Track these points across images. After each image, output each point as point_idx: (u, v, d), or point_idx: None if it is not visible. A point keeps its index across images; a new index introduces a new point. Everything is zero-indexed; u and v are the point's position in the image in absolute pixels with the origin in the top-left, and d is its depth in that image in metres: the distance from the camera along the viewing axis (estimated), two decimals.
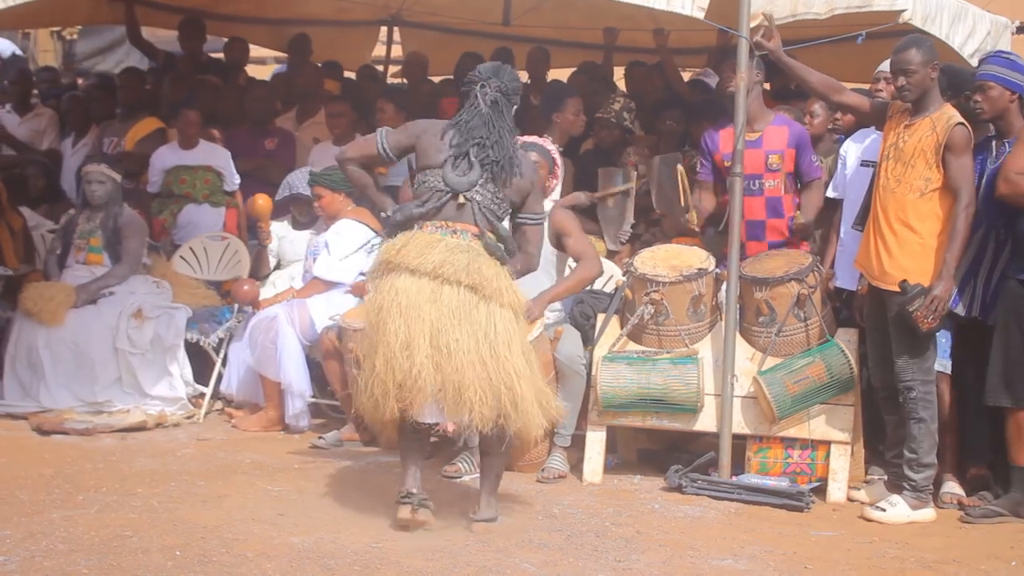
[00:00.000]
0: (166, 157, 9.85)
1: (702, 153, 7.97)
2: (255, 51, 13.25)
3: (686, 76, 11.44)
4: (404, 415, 6.08)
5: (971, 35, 9.17)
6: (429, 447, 6.73)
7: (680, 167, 7.92)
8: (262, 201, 9.19)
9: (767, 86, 9.64)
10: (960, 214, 6.53)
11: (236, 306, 8.92)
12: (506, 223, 6.37)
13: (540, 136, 7.80)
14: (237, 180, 9.95)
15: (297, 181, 9.12)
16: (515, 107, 6.41)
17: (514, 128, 6.37)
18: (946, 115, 6.61)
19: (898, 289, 6.57)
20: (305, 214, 9.22)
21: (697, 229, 7.84)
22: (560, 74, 11.91)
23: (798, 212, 7.68)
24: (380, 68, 13.19)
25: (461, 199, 6.18)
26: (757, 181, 7.66)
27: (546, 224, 7.28)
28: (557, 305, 7.63)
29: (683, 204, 7.89)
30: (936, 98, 6.71)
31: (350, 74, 12.51)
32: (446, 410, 6.04)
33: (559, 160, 7.63)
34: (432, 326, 5.98)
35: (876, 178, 6.86)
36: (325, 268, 8.42)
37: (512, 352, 6.06)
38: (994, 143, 7.01)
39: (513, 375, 6.02)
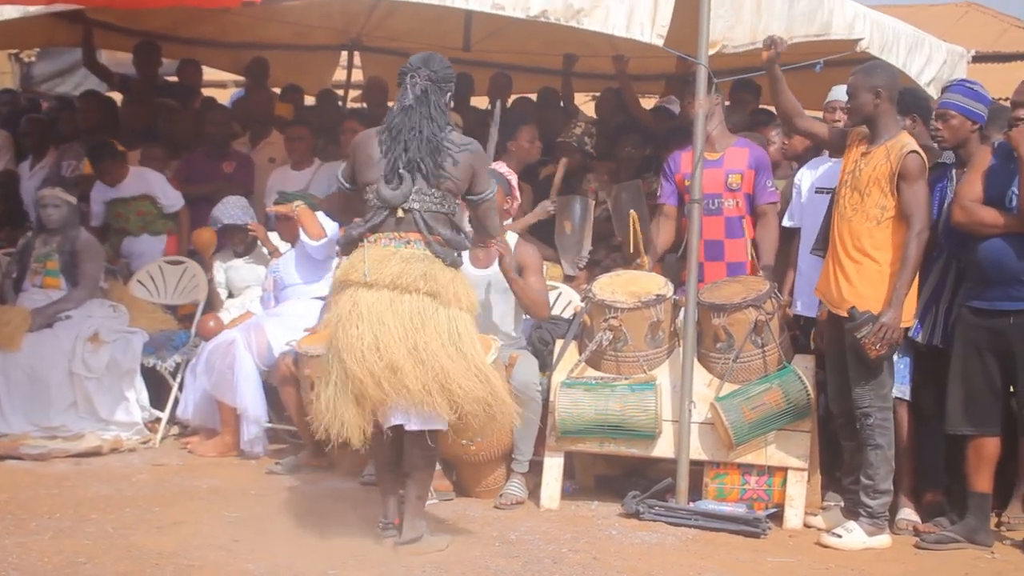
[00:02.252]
0: (101, 192, 9.80)
1: (664, 175, 8.01)
2: (215, 75, 13.23)
3: (648, 103, 11.47)
4: (376, 426, 6.13)
5: (928, 63, 9.30)
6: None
7: (634, 213, 7.92)
8: (208, 235, 9.22)
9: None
10: (912, 241, 6.55)
11: (193, 330, 8.88)
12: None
13: (495, 161, 7.81)
14: (177, 202, 9.90)
15: (221, 214, 9.16)
16: (449, 94, 6.38)
17: (444, 113, 6.32)
18: (900, 143, 6.65)
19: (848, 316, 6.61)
20: (240, 243, 9.22)
21: (649, 271, 7.83)
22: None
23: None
24: (340, 92, 13.19)
25: (400, 212, 6.20)
26: (717, 200, 7.71)
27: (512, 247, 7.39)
28: (514, 333, 7.63)
29: (632, 251, 7.91)
30: (891, 126, 6.75)
31: (310, 99, 12.51)
32: (431, 407, 6.01)
33: (515, 183, 7.65)
34: (399, 331, 6.01)
35: (835, 205, 6.90)
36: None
37: (477, 351, 6.18)
38: (954, 171, 7.06)
39: (486, 371, 6.15)
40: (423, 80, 6.29)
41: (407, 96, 6.29)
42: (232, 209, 9.15)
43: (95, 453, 8.16)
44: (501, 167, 7.62)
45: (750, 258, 7.74)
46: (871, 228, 6.65)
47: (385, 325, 6.02)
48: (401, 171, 6.18)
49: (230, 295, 9.32)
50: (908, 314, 6.72)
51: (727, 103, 8.55)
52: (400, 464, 6.36)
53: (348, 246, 6.34)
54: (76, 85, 14.62)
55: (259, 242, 9.16)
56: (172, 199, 9.85)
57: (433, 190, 6.20)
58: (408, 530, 6.24)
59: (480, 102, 12.18)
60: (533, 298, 7.47)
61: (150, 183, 9.80)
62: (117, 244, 9.84)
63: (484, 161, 6.47)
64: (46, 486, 7.34)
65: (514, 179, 7.67)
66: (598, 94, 12.11)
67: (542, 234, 8.83)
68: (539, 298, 7.53)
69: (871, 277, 6.66)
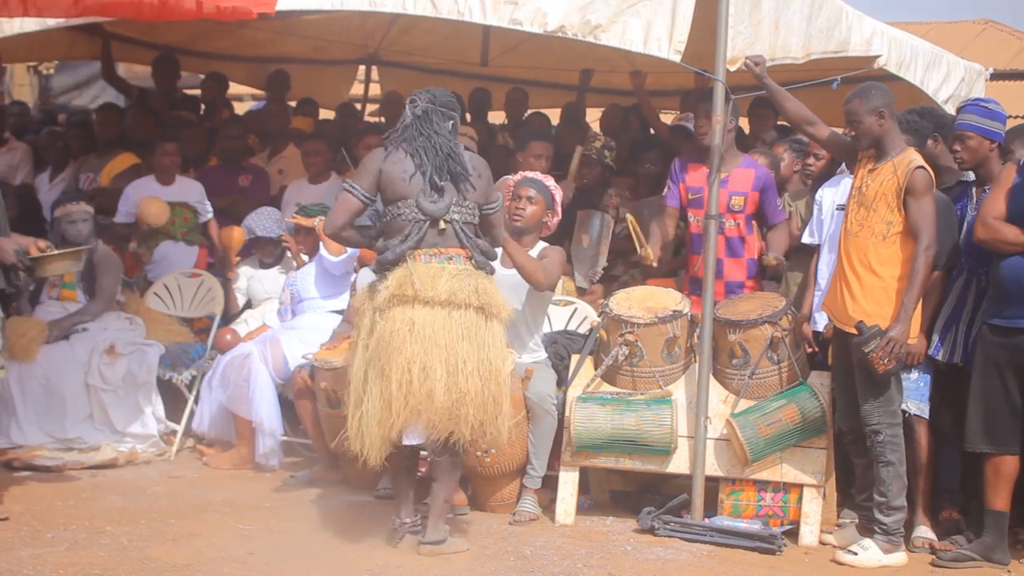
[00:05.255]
0: (142, 190, 9.80)
1: (671, 177, 8.01)
2: (232, 88, 13.25)
3: (665, 119, 11.48)
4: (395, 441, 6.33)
5: (946, 81, 9.29)
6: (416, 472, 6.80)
7: (631, 216, 8.00)
8: (237, 234, 9.27)
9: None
10: (920, 256, 6.52)
11: (209, 343, 8.89)
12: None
13: (545, 175, 7.78)
14: (210, 211, 9.94)
15: (255, 225, 9.20)
16: (451, 121, 6.52)
17: (446, 132, 6.46)
18: (907, 159, 6.63)
19: (855, 331, 6.59)
20: (269, 255, 9.25)
21: (654, 264, 7.90)
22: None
23: (768, 254, 7.75)
24: (358, 106, 13.22)
25: (441, 224, 6.37)
26: (719, 220, 7.70)
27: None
28: (531, 342, 7.56)
29: (638, 247, 7.96)
30: (896, 143, 6.72)
31: (329, 112, 12.54)
32: (438, 426, 6.22)
33: (558, 198, 7.59)
34: (446, 351, 6.21)
35: (844, 222, 6.89)
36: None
37: (504, 363, 6.42)
38: (974, 190, 7.05)
39: (502, 385, 6.34)
40: (424, 103, 6.49)
41: (407, 116, 6.49)
42: (266, 221, 9.20)
43: (111, 465, 8.16)
44: (547, 179, 7.61)
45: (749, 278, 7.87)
46: (876, 244, 6.64)
47: (438, 345, 6.19)
48: (440, 183, 6.36)
49: (249, 305, 9.33)
50: (914, 330, 6.71)
51: (743, 117, 8.55)
52: (414, 468, 6.66)
53: (387, 266, 6.39)
54: (94, 98, 14.69)
55: (287, 254, 9.18)
56: (207, 209, 9.92)
57: (467, 201, 6.43)
58: (432, 531, 6.43)
59: (497, 117, 12.21)
60: (527, 261, 7.24)
61: (195, 191, 9.88)
62: (154, 246, 9.81)
63: (490, 172, 6.66)
64: (61, 498, 7.35)
65: (559, 195, 7.62)
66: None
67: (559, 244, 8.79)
68: (537, 268, 7.24)
69: (875, 293, 6.64)
